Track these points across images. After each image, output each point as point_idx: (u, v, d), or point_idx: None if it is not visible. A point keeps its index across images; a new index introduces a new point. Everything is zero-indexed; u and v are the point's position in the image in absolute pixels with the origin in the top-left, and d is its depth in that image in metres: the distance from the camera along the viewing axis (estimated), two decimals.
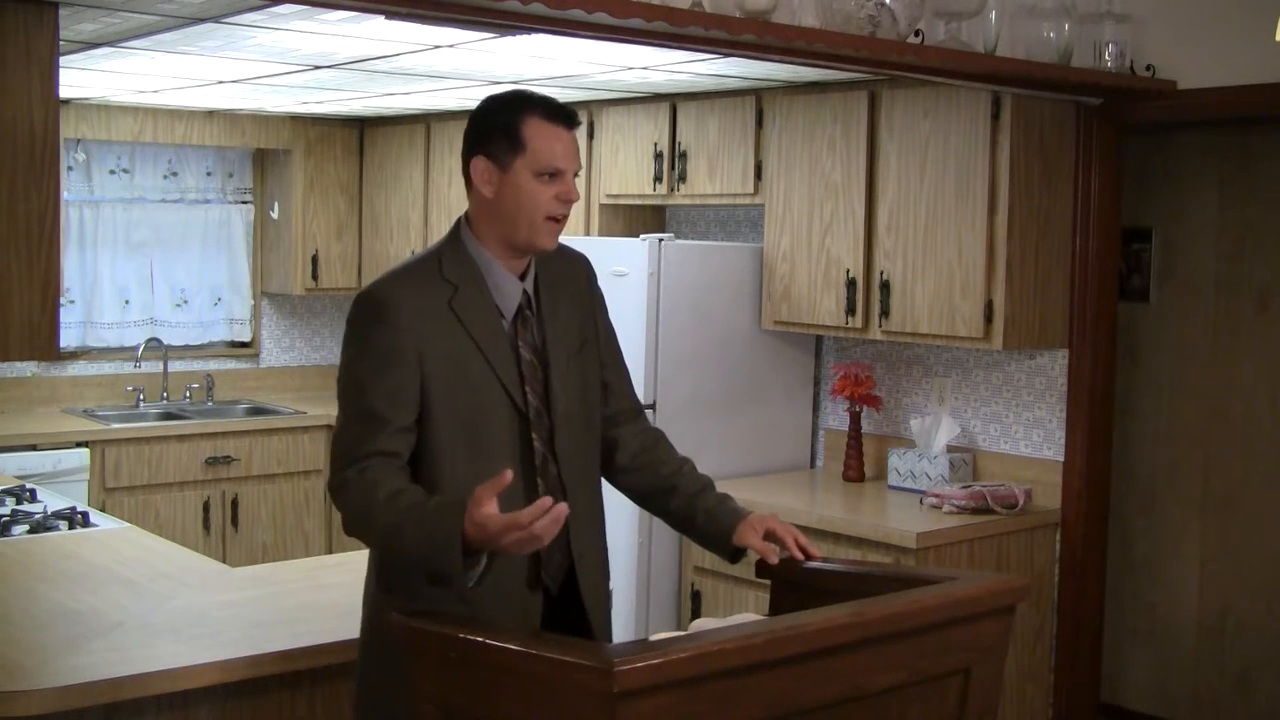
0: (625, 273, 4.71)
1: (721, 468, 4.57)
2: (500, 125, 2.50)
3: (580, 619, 2.59)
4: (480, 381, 2.47)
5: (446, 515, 2.24)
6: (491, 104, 2.56)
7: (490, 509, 2.19)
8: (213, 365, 6.73)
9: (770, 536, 2.60)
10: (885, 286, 4.55)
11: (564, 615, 2.57)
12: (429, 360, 2.43)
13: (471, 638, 2.16)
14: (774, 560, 2.58)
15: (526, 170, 2.47)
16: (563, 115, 2.52)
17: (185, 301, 6.69)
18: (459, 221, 2.59)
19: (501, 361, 2.49)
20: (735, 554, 2.67)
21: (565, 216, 2.52)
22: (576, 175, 2.54)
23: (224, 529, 6.08)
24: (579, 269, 2.71)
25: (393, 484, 2.36)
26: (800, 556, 2.59)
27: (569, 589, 2.59)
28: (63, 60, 3.37)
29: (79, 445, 5.67)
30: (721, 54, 3.68)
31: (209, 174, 6.73)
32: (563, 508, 2.19)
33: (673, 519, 2.75)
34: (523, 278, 2.56)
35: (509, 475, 2.22)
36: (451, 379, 2.45)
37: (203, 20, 3.60)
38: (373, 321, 2.45)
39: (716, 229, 5.61)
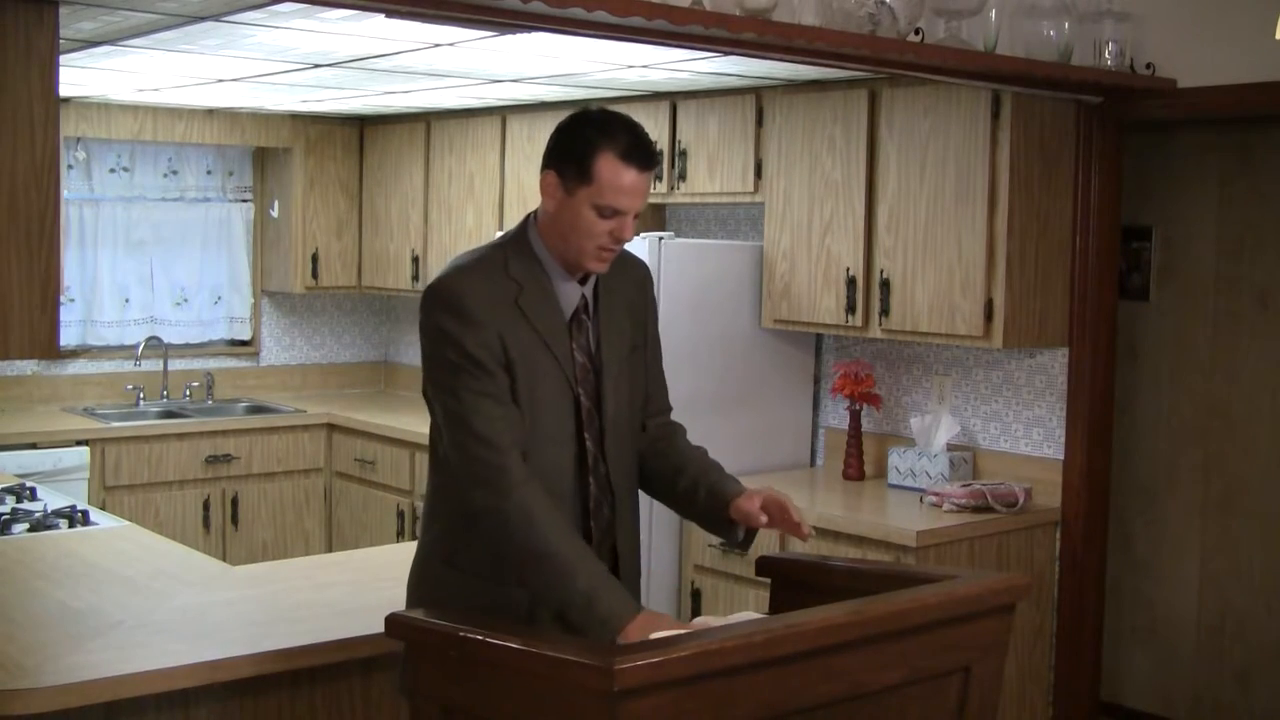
0: None
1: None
2: (575, 150, 2.51)
3: None
4: (547, 376, 2.53)
5: (621, 602, 2.36)
6: (575, 125, 2.56)
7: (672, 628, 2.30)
8: (213, 364, 6.73)
9: (766, 506, 2.59)
10: (885, 285, 4.55)
11: None
12: (508, 346, 2.48)
13: (472, 636, 2.17)
14: (762, 522, 2.57)
15: (587, 202, 2.49)
16: (637, 157, 2.51)
17: (185, 300, 6.69)
18: (528, 218, 2.62)
19: (565, 359, 2.55)
20: (735, 535, 2.66)
21: (617, 249, 2.56)
22: (638, 216, 2.55)
23: (224, 527, 6.08)
24: (637, 276, 2.75)
25: (562, 516, 2.45)
26: (795, 523, 2.56)
27: None
28: (63, 59, 3.36)
29: (79, 444, 5.67)
30: (721, 52, 3.68)
31: (209, 172, 6.73)
32: None
33: (680, 501, 2.76)
34: (583, 282, 2.60)
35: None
36: (523, 368, 2.50)
37: (203, 19, 3.60)
38: (454, 310, 2.47)
39: (716, 227, 5.61)
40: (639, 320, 2.72)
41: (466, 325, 2.46)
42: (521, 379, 2.50)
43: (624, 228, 2.52)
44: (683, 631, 2.22)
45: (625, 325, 2.67)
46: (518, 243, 2.60)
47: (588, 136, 2.51)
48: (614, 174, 2.48)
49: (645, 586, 4.64)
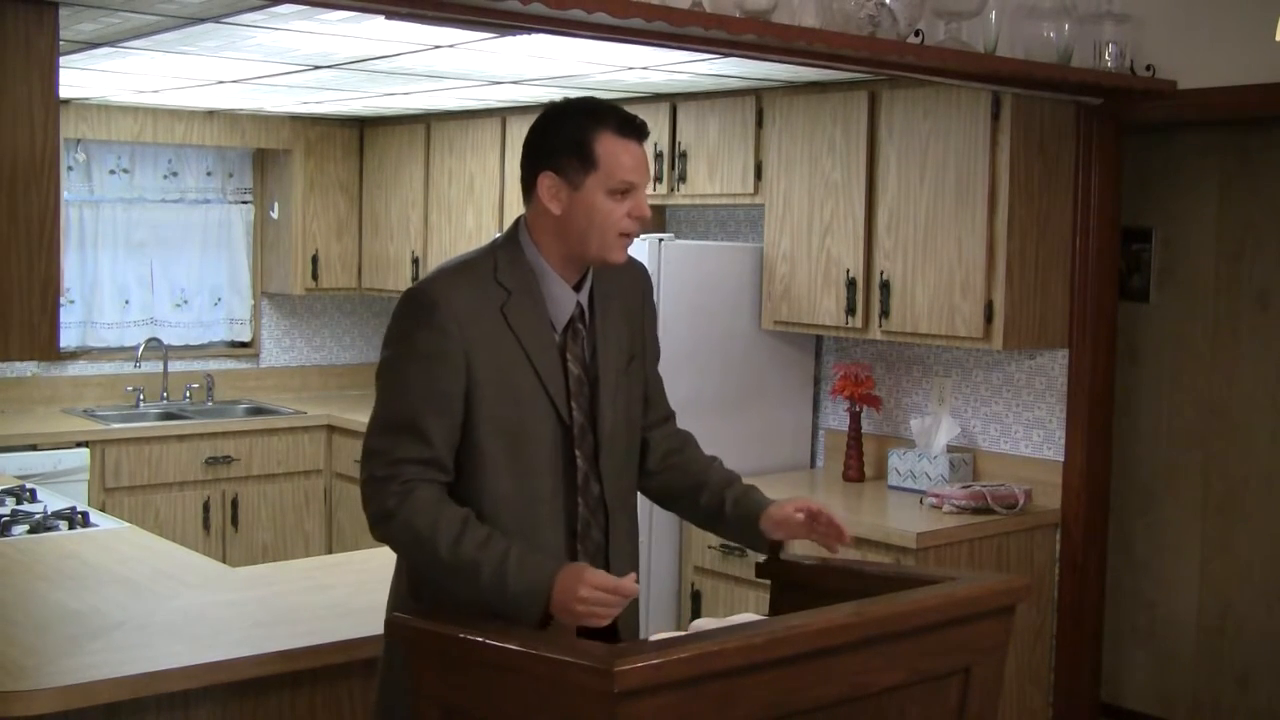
0: None
1: None
2: (570, 141, 2.41)
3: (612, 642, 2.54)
4: (527, 393, 2.41)
5: (532, 573, 2.28)
6: (559, 117, 2.46)
7: (603, 580, 2.26)
8: (213, 365, 6.73)
9: (800, 510, 2.54)
10: (885, 286, 4.55)
11: (595, 636, 2.50)
12: (477, 367, 2.37)
13: (472, 638, 2.17)
14: (799, 520, 2.53)
15: (599, 188, 2.40)
16: (634, 128, 2.44)
17: (185, 301, 6.69)
18: (517, 223, 2.52)
19: (550, 374, 2.43)
20: (766, 543, 2.61)
21: (637, 232, 2.47)
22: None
23: (224, 529, 6.08)
24: (637, 281, 2.64)
25: (453, 511, 2.34)
26: (838, 526, 2.53)
27: None
28: (63, 60, 3.37)
29: (79, 445, 5.67)
30: (721, 54, 3.68)
31: (209, 174, 6.74)
32: (633, 589, 2.26)
33: (702, 514, 2.69)
34: (578, 288, 2.49)
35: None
36: (498, 388, 2.39)
37: (203, 20, 3.60)
38: (422, 323, 2.37)
39: (716, 229, 5.61)
40: (636, 328, 2.61)
41: (434, 333, 2.36)
42: (496, 397, 2.39)
43: (640, 204, 2.44)
44: (679, 635, 2.21)
45: (623, 334, 2.56)
46: (509, 248, 2.47)
47: (578, 124, 2.43)
48: (617, 151, 2.41)
49: (645, 588, 4.65)
